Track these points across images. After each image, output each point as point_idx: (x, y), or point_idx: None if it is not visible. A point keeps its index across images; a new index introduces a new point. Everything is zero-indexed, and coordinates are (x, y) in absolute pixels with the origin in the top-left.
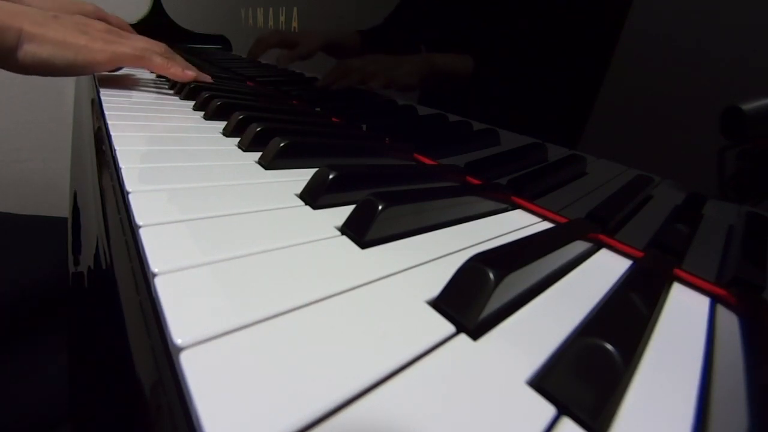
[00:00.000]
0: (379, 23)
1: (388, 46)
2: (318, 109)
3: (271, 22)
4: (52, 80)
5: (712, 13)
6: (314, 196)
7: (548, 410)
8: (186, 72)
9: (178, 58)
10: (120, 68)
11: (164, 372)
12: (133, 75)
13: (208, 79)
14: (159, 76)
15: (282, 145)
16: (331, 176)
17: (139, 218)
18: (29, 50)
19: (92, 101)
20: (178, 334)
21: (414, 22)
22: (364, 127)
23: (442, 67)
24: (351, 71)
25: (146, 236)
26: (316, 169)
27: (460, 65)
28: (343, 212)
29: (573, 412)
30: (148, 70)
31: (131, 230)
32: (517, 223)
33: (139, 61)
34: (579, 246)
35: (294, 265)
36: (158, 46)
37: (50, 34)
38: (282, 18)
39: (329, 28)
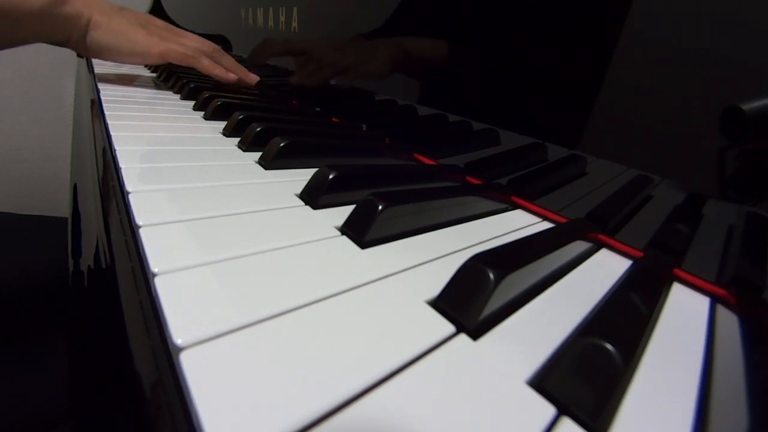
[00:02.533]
0: (380, 26)
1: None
2: (318, 109)
3: (271, 23)
4: (52, 80)
5: (712, 13)
6: (314, 196)
7: (548, 410)
8: (228, 74)
9: (227, 59)
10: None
11: (164, 372)
12: (134, 75)
13: (254, 78)
14: (159, 76)
15: (282, 145)
16: (331, 176)
17: (139, 218)
18: (95, 36)
19: (92, 101)
20: (178, 334)
21: (414, 21)
22: (364, 127)
23: (414, 52)
24: (321, 66)
25: (146, 236)
26: (316, 169)
27: (433, 49)
28: (343, 212)
29: (573, 412)
30: (194, 68)
31: (131, 230)
32: (517, 223)
33: (187, 59)
34: (579, 246)
35: (294, 265)
36: (208, 46)
37: (114, 25)
38: (282, 18)
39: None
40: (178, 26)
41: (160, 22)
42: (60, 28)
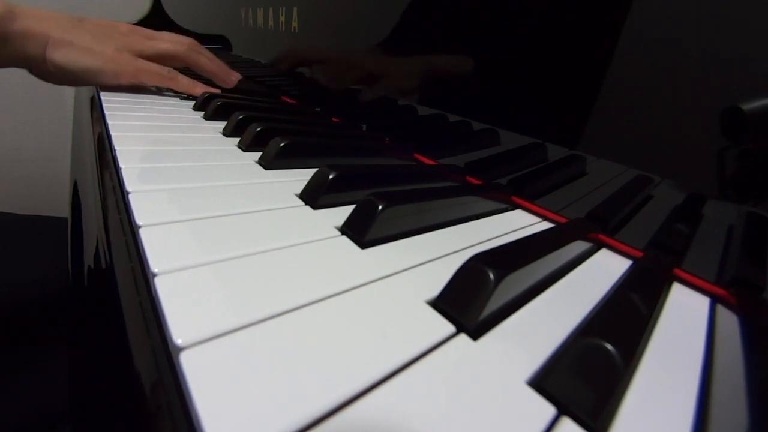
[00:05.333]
0: (386, 35)
1: (398, 53)
2: (318, 109)
3: (271, 23)
4: None
5: (712, 13)
6: (314, 196)
7: (548, 410)
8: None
9: (205, 57)
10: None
11: (164, 372)
12: None
13: (237, 77)
14: None
15: (282, 145)
16: (331, 176)
17: (139, 218)
18: (56, 58)
19: (92, 101)
20: (178, 334)
21: (416, 24)
22: (364, 127)
23: (442, 68)
24: (355, 78)
25: (146, 236)
26: (316, 169)
27: (460, 65)
28: (343, 212)
29: (573, 412)
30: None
31: (131, 230)
32: (517, 223)
33: (164, 81)
34: (579, 246)
35: (294, 265)
36: (182, 44)
37: (77, 41)
38: (282, 18)
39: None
40: (177, 27)
41: (123, 27)
42: (11, 49)
